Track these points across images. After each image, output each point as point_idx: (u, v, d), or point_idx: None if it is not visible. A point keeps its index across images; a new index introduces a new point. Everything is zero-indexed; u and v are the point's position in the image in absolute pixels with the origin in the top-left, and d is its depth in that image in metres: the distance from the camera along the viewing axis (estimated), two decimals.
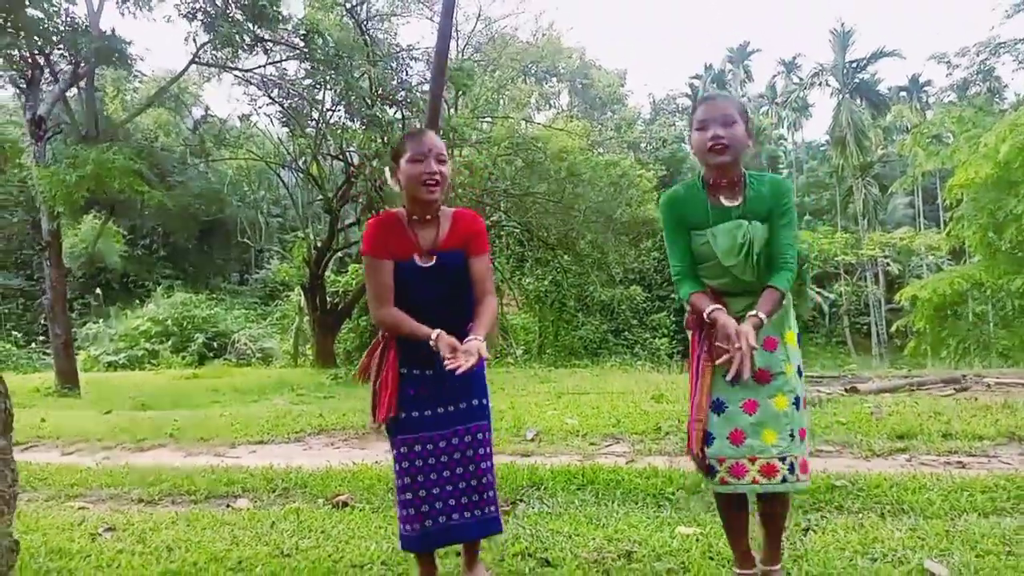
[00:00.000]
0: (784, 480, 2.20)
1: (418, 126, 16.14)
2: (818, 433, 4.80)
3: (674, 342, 23.73)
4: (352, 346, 22.57)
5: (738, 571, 2.37)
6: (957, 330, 21.53)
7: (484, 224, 2.54)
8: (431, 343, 2.21)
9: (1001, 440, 4.57)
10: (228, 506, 3.83)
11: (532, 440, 5.28)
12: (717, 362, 2.17)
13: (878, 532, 2.84)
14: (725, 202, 2.28)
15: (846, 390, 9.90)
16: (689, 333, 2.36)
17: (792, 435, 2.22)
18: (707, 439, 2.25)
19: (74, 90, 13.82)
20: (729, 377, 2.10)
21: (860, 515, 3.12)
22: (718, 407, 2.25)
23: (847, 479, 3.58)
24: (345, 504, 3.65)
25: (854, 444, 4.58)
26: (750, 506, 2.39)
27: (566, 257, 22.06)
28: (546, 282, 23.83)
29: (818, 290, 36.00)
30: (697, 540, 2.84)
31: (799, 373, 2.31)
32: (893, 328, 26.27)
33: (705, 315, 2.22)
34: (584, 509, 3.41)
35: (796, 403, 2.26)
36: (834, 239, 26.80)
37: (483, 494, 2.39)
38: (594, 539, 2.92)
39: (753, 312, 2.18)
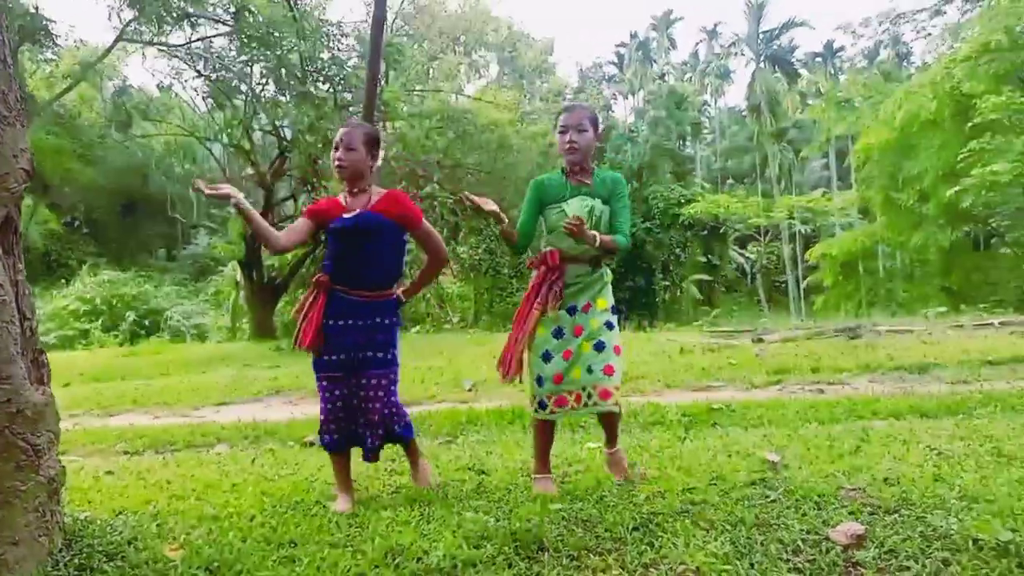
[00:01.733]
0: (585, 405, 3.01)
1: (349, 99, 16.46)
2: (711, 373, 5.67)
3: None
4: (290, 319, 22.80)
5: (537, 475, 3.12)
6: (862, 284, 23.22)
7: (408, 201, 3.19)
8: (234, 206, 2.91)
9: (857, 372, 5.55)
10: (208, 451, 4.43)
11: (469, 390, 6.00)
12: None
13: (738, 439, 3.67)
14: (578, 183, 3.08)
15: (753, 340, 10.96)
16: (533, 274, 3.11)
17: (590, 370, 2.99)
18: (539, 382, 3.03)
19: None
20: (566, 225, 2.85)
21: (728, 429, 3.96)
22: (547, 357, 3.02)
23: (723, 404, 4.43)
24: (312, 444, 4.29)
25: (738, 379, 5.47)
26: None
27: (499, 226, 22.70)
28: (480, 251, 24.46)
29: (739, 251, 37.77)
30: (600, 451, 3.61)
31: (608, 326, 3.06)
32: (804, 284, 28.01)
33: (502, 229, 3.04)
34: (513, 437, 4.16)
35: (598, 347, 3.01)
36: (747, 203, 28.17)
37: (386, 422, 3.07)
38: (520, 456, 3.66)
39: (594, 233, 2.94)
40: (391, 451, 3.88)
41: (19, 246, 2.72)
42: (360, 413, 3.07)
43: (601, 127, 3.19)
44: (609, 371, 3.02)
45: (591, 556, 2.34)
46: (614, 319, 3.12)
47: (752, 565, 2.19)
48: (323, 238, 3.23)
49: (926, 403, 4.17)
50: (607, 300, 3.10)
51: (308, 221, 3.09)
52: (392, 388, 3.12)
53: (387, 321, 3.10)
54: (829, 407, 4.20)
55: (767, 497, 2.74)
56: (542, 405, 3.04)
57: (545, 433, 3.13)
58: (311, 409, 5.71)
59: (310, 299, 3.07)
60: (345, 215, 3.03)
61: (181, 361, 12.82)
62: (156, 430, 5.05)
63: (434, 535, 2.50)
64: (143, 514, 3.00)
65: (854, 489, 2.78)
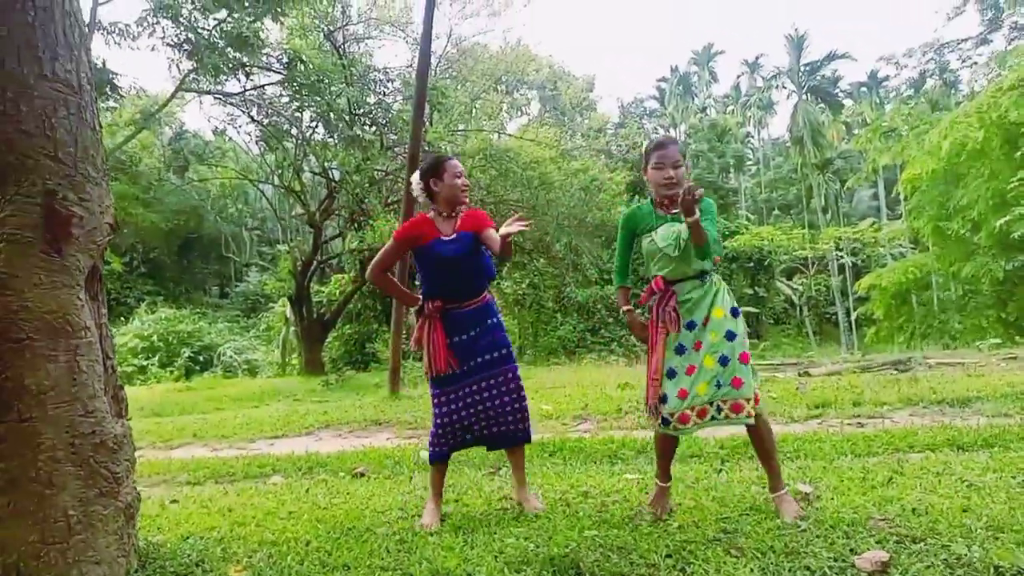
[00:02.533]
0: (713, 419, 3.06)
1: (394, 140, 17.01)
2: None
3: None
4: (338, 354, 23.28)
5: (659, 483, 3.25)
6: (914, 316, 22.69)
7: (482, 213, 3.48)
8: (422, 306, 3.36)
9: (899, 405, 5.54)
10: (264, 482, 4.67)
11: None
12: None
13: None
14: (665, 212, 3.21)
15: (800, 374, 10.88)
16: (648, 309, 3.24)
17: (719, 384, 3.04)
18: (663, 399, 3.12)
19: None
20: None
21: None
22: (671, 375, 3.12)
23: None
24: (362, 474, 4.51)
25: (778, 413, 5.52)
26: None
27: (542, 260, 22.98)
28: (524, 285, 24.70)
29: (787, 283, 37.29)
30: (638, 482, 3.74)
31: (728, 337, 3.09)
32: (853, 316, 27.45)
33: (621, 311, 3.21)
34: (554, 468, 4.30)
35: (722, 361, 3.05)
36: (791, 235, 27.93)
37: (511, 416, 3.38)
38: (560, 486, 3.80)
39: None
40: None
41: (103, 292, 3.01)
42: (500, 407, 3.35)
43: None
44: (737, 384, 3.03)
45: None
46: (736, 325, 3.11)
47: None
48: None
49: (963, 436, 4.19)
50: (724, 307, 3.13)
51: (398, 245, 3.39)
52: (520, 380, 3.44)
53: (496, 320, 3.43)
54: (866, 440, 4.25)
55: (798, 527, 2.83)
56: (665, 422, 3.12)
57: (665, 445, 3.24)
58: (359, 442, 5.94)
59: (427, 327, 3.35)
60: (444, 238, 3.34)
61: (234, 396, 13.24)
62: (216, 462, 5.32)
63: (477, 560, 2.66)
64: (208, 539, 3.22)
65: (883, 519, 2.86)
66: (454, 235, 3.35)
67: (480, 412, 3.35)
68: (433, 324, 3.34)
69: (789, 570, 2.43)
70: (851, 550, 2.54)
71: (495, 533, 3.02)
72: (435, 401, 3.39)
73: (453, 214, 3.42)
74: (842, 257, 32.46)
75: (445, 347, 3.30)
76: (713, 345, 3.08)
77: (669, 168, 3.14)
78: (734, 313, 3.15)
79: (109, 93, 13.80)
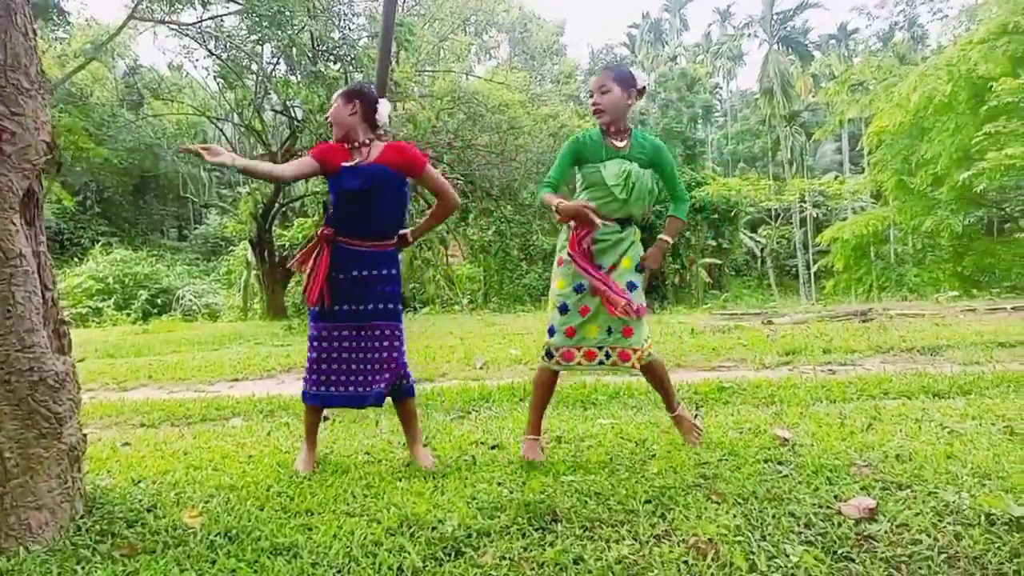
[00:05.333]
0: (600, 363, 3.06)
1: (360, 78, 16.42)
2: (722, 353, 5.67)
3: None
4: (300, 299, 22.89)
5: (529, 436, 3.18)
6: (873, 269, 23.05)
7: (411, 149, 3.15)
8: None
9: (868, 353, 5.53)
10: (223, 425, 4.48)
11: (480, 368, 6.03)
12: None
13: (749, 416, 3.68)
14: (616, 144, 3.07)
15: (762, 323, 10.93)
16: (560, 236, 3.17)
17: (610, 331, 3.03)
18: (551, 332, 3.08)
19: None
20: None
21: (739, 406, 3.98)
22: (563, 310, 3.06)
23: (735, 383, 4.44)
24: (326, 418, 4.33)
25: (749, 359, 5.47)
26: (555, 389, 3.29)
27: (509, 207, 22.67)
28: (490, 232, 24.43)
29: (750, 235, 37.58)
30: (612, 427, 3.64)
31: (629, 288, 3.05)
32: (814, 269, 27.82)
33: (553, 207, 2.95)
34: (524, 414, 4.15)
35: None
36: (758, 186, 27.96)
37: (388, 373, 3.11)
38: None
39: (661, 236, 3.13)
40: None
41: (41, 218, 2.75)
42: (364, 363, 3.09)
43: (640, 84, 3.10)
44: (628, 333, 3.04)
45: (603, 527, 2.36)
46: (638, 278, 3.10)
47: (764, 537, 2.22)
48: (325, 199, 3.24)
49: (938, 383, 4.18)
50: (633, 259, 3.10)
51: (314, 162, 3.05)
52: (400, 340, 3.17)
53: (392, 272, 3.14)
54: (840, 387, 4.21)
55: (779, 472, 2.76)
56: (549, 355, 3.09)
57: (543, 388, 3.17)
58: None
59: (315, 253, 3.10)
60: (347, 165, 3.03)
61: (193, 339, 12.91)
62: (171, 404, 5.10)
63: (448, 505, 2.53)
64: (161, 483, 3.05)
65: (866, 465, 2.80)
66: (356, 164, 3.04)
67: (353, 360, 3.10)
68: (321, 251, 3.08)
69: (773, 516, 2.35)
70: (835, 496, 2.48)
71: (467, 478, 2.90)
72: (310, 335, 3.17)
73: (356, 145, 3.10)
74: (804, 210, 32.71)
75: (323, 279, 3.04)
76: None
77: (596, 95, 3.06)
78: (639, 268, 3.13)
79: (57, 20, 13.01)
